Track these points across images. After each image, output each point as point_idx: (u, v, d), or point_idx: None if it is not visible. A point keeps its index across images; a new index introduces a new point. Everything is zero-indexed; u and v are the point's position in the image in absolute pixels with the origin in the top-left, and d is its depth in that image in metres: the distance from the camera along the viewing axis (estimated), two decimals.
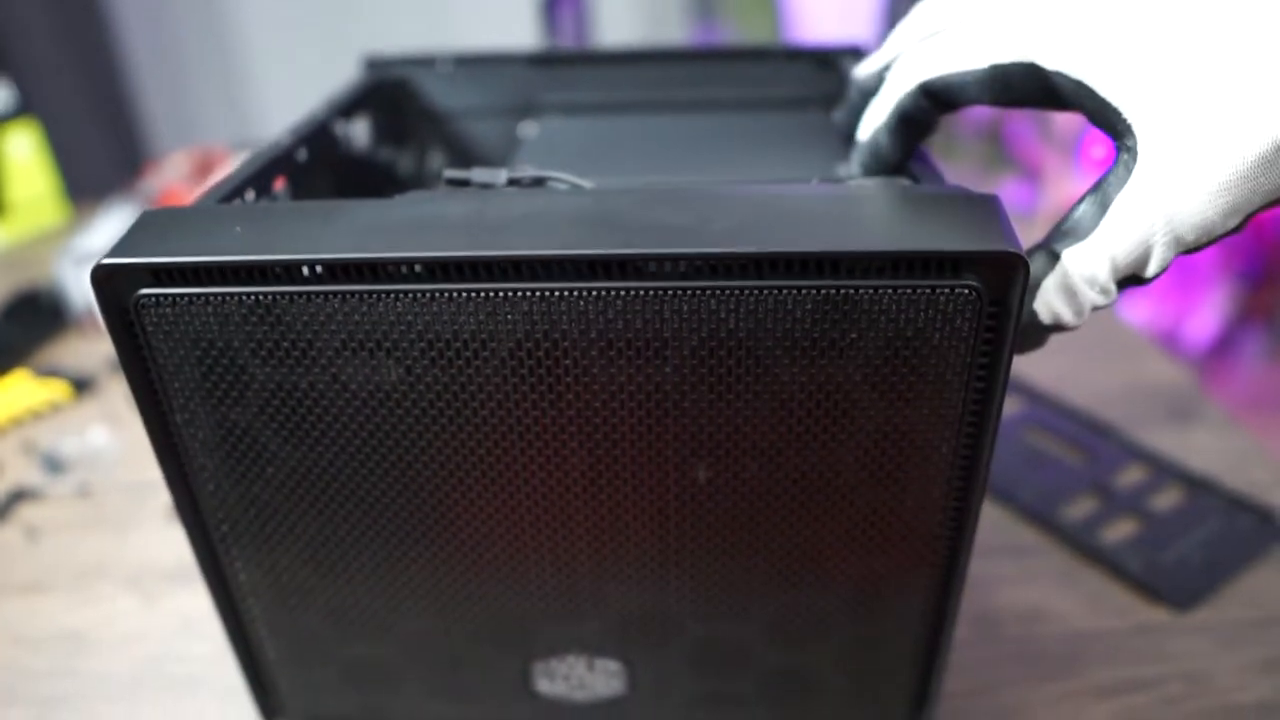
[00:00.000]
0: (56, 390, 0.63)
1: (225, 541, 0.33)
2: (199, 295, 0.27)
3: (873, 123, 0.32)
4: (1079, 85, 0.26)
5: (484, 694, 0.37)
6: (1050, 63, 0.26)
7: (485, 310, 0.26)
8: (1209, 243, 0.25)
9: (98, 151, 1.12)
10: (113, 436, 0.60)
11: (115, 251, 0.27)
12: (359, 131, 0.47)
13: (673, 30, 1.75)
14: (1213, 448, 0.55)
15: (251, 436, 0.30)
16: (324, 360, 0.28)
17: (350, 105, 0.46)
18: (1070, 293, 0.26)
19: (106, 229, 0.73)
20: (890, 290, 0.25)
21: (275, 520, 0.32)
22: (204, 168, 0.83)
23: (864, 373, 0.27)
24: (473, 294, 0.26)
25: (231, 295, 0.27)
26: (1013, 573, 0.47)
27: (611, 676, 0.36)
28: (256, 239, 0.27)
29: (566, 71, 0.50)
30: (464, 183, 0.33)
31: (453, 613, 0.34)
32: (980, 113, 1.56)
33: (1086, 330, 0.68)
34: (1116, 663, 0.42)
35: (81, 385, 0.64)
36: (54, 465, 0.57)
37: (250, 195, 0.34)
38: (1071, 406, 0.58)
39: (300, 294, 0.26)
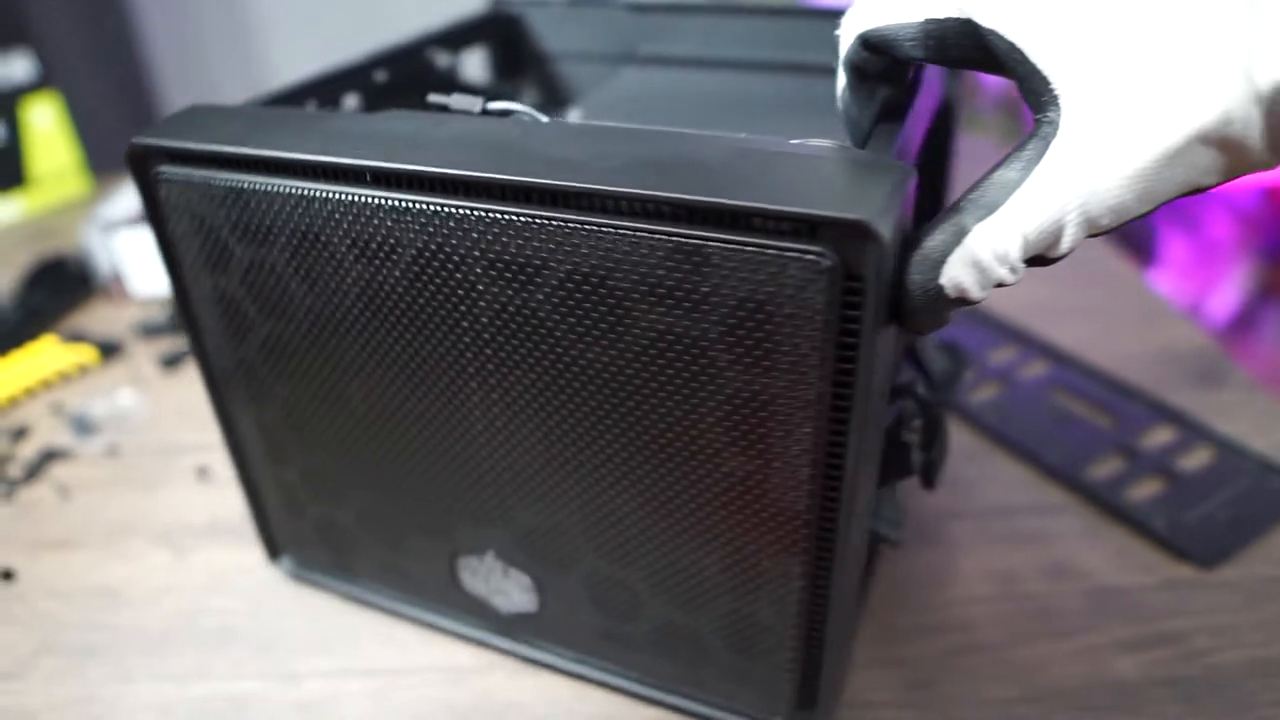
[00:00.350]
0: (84, 354, 0.64)
1: (226, 392, 0.39)
2: (195, 176, 0.32)
3: (838, 85, 0.31)
4: (1011, 48, 0.25)
5: (421, 575, 0.41)
6: (986, 20, 0.25)
7: (391, 218, 0.29)
8: (1119, 226, 0.25)
9: (115, 123, 1.12)
10: (140, 399, 0.60)
11: (144, 133, 0.32)
12: (473, 64, 0.48)
13: None
14: (1240, 411, 0.54)
15: (236, 304, 0.35)
16: (280, 244, 0.32)
17: (458, 37, 0.47)
18: (978, 268, 0.25)
19: (131, 197, 0.74)
20: (740, 248, 0.24)
21: (258, 381, 0.37)
22: None
23: (719, 331, 0.26)
24: (382, 201, 0.29)
25: (217, 179, 0.31)
26: (1036, 530, 0.47)
27: (525, 591, 0.38)
28: (242, 134, 0.31)
29: (666, 22, 0.50)
30: (444, 108, 0.35)
31: (388, 491, 0.38)
32: (999, 85, 1.55)
33: (1113, 295, 0.67)
34: (1140, 618, 0.42)
35: (108, 350, 0.65)
36: (83, 426, 0.57)
37: (312, 104, 0.37)
38: (1098, 369, 0.58)
39: (261, 184, 0.31)
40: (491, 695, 0.40)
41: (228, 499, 0.51)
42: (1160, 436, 0.52)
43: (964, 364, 0.41)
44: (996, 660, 0.40)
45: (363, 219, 0.29)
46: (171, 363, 0.64)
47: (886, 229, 0.23)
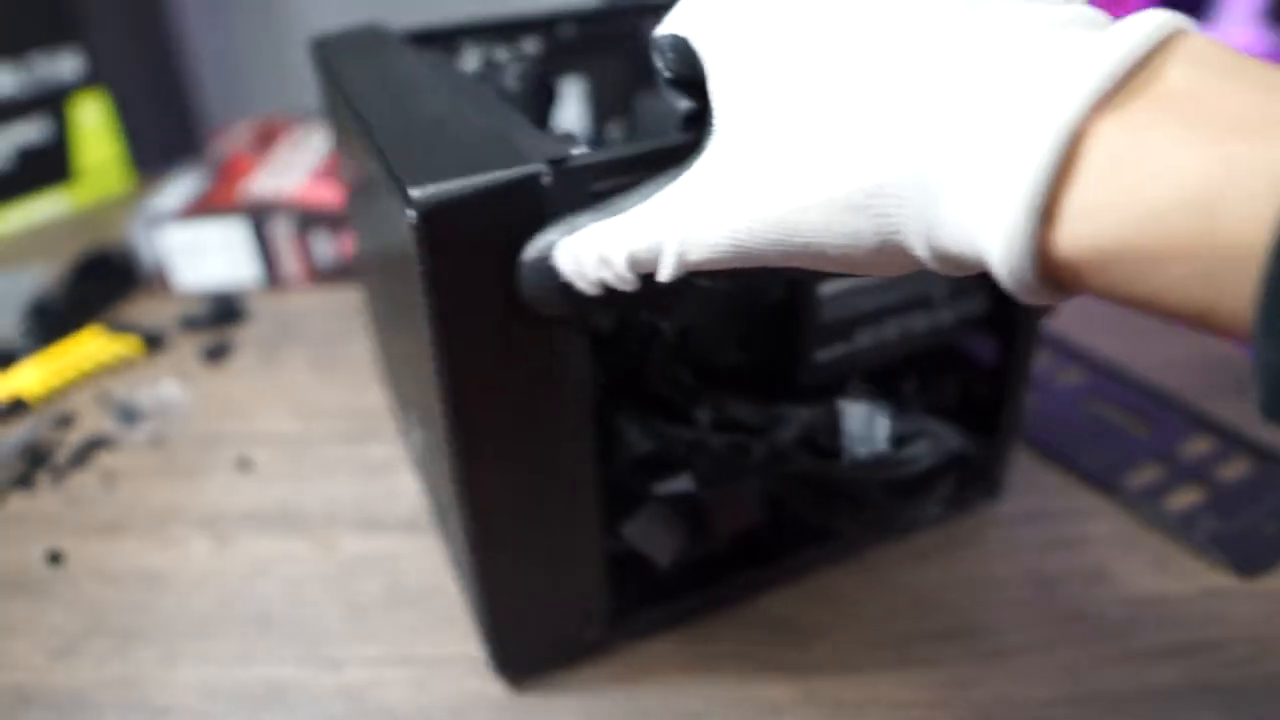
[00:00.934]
0: (128, 345, 0.65)
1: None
2: (322, 76, 0.45)
3: None
4: (703, 67, 0.25)
5: (414, 435, 0.47)
6: (694, 37, 0.25)
7: (358, 134, 0.35)
8: (722, 273, 0.24)
9: (157, 122, 1.15)
10: (183, 390, 0.61)
11: (319, 38, 0.46)
12: None
13: None
14: None
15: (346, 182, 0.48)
16: (341, 139, 0.45)
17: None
18: (577, 262, 0.26)
19: (176, 192, 0.75)
20: (402, 197, 0.28)
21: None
22: (266, 136, 0.85)
23: (418, 266, 0.29)
24: (353, 119, 0.36)
25: (327, 80, 0.43)
26: (1073, 536, 0.47)
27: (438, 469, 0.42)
28: (338, 53, 0.43)
29: None
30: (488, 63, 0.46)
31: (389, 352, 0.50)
32: None
33: None
34: (1179, 625, 0.41)
35: (152, 341, 0.66)
36: (128, 415, 0.59)
37: (466, 42, 0.47)
38: (1135, 376, 0.58)
39: (333, 92, 0.42)
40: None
41: (268, 489, 0.52)
42: (1199, 446, 0.52)
43: (901, 443, 0.42)
44: (1034, 663, 0.40)
45: (354, 133, 0.36)
46: (214, 355, 0.65)
47: (434, 201, 0.27)
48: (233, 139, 0.86)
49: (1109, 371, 0.58)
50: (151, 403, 0.60)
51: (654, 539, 0.39)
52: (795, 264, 0.23)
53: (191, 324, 0.68)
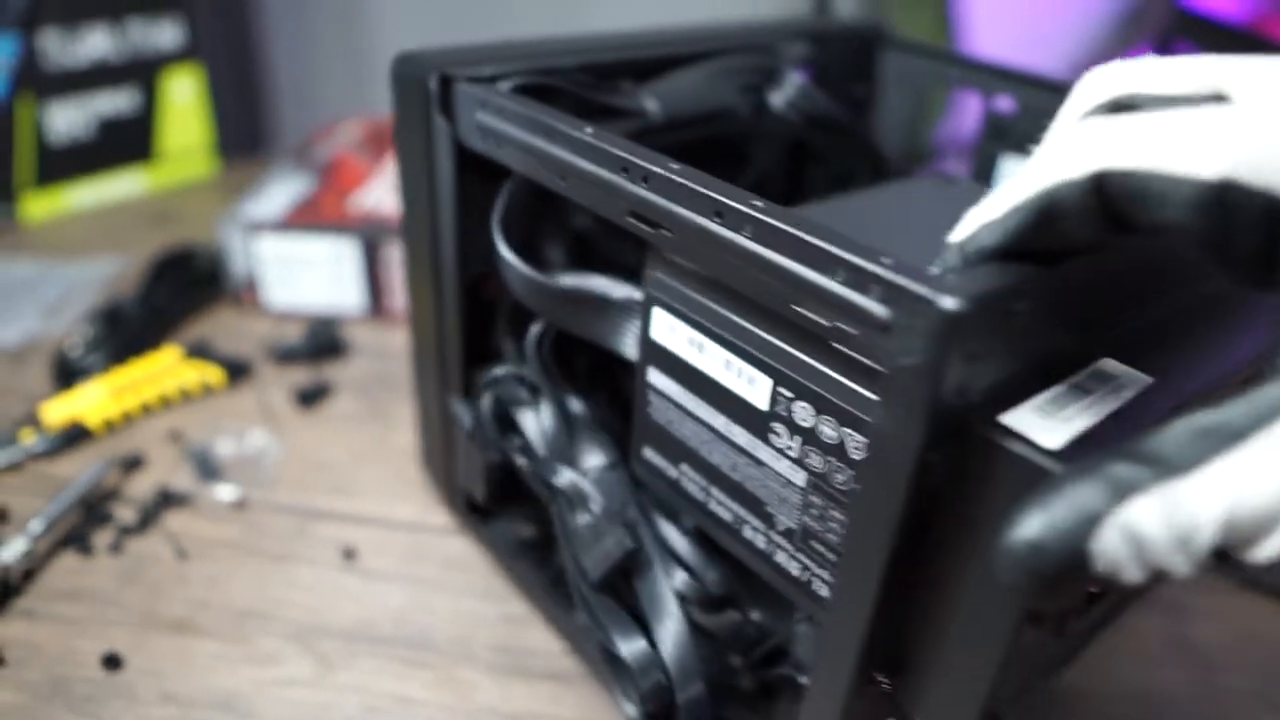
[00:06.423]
0: (209, 375, 0.55)
1: None
2: None
3: (980, 217, 0.21)
4: None
5: None
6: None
7: None
8: None
9: (239, 109, 1.06)
10: (272, 442, 0.51)
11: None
12: None
13: None
14: None
15: None
16: None
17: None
18: (1134, 534, 0.17)
19: (277, 195, 0.66)
20: None
21: None
22: (376, 139, 0.76)
23: None
24: None
25: None
26: None
27: None
28: None
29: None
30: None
31: None
32: None
33: None
34: None
35: (236, 371, 0.56)
36: (207, 468, 0.49)
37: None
38: None
39: None
40: None
41: (380, 594, 0.42)
42: None
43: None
44: None
45: None
46: (309, 399, 0.55)
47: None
48: (340, 138, 0.76)
49: None
50: (235, 455, 0.50)
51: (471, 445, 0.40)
52: None
53: (283, 356, 0.59)
